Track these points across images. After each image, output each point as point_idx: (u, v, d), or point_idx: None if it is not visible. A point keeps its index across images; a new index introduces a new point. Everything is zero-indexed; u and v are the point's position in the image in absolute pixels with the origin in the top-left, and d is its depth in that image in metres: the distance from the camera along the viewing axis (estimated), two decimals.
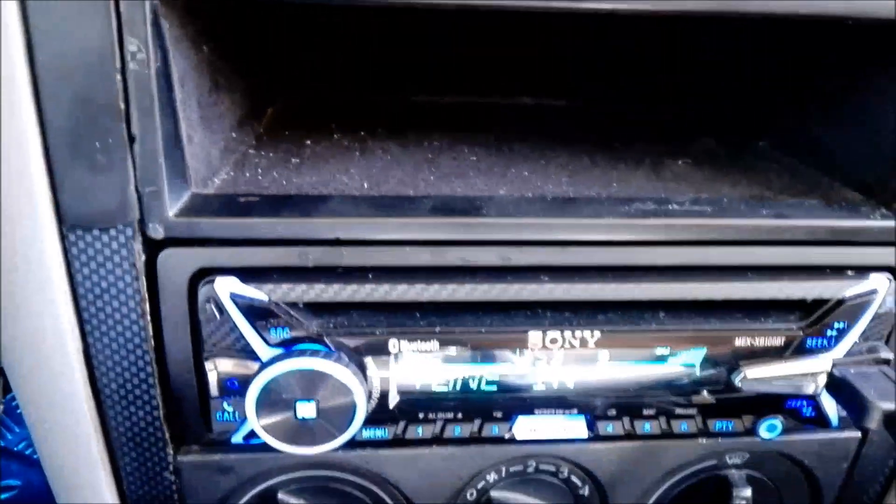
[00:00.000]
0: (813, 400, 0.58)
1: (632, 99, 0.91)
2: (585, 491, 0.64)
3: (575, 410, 0.58)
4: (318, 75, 0.89)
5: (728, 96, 0.88)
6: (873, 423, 0.53)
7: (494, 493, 0.63)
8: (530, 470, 0.63)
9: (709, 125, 0.84)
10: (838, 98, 0.67)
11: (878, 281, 0.56)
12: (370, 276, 0.53)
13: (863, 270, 0.56)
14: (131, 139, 0.47)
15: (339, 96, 0.88)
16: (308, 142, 0.68)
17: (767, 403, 0.59)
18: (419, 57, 0.88)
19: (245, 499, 0.62)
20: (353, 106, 0.85)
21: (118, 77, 0.45)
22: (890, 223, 0.55)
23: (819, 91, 0.70)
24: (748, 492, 0.63)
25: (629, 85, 0.91)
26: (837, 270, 0.56)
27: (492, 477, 0.63)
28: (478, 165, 0.64)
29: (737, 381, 0.56)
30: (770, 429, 0.60)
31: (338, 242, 0.52)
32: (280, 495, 0.62)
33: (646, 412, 0.58)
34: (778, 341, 0.55)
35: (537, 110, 0.88)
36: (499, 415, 0.58)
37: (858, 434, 0.64)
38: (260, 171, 0.60)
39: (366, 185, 0.58)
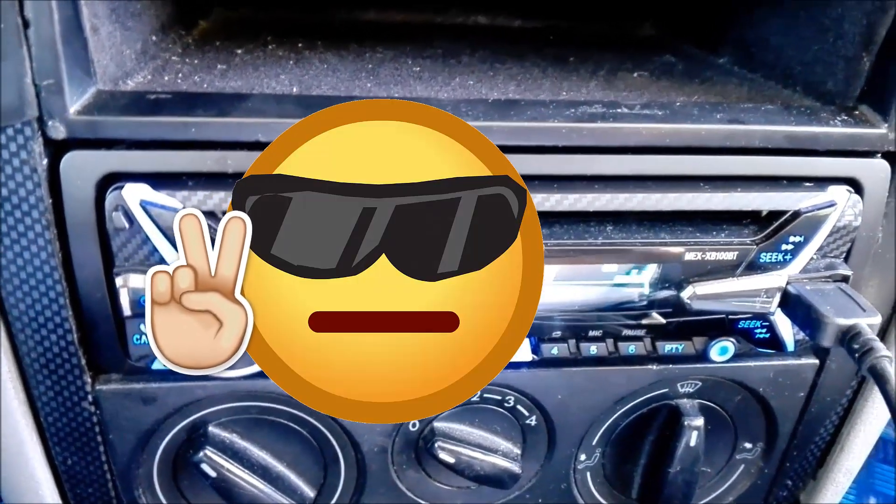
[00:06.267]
0: (766, 320, 0.56)
1: (589, 18, 0.87)
2: (532, 420, 0.62)
3: None
4: None
5: (689, 13, 0.84)
6: (829, 340, 0.50)
7: (437, 424, 0.61)
8: (475, 399, 0.60)
9: (669, 43, 0.80)
10: (796, 5, 0.63)
11: (837, 193, 0.53)
12: None
13: (821, 182, 0.53)
14: (25, 23, 0.43)
15: (281, 13, 0.83)
16: (239, 51, 0.64)
17: (719, 325, 0.56)
18: None
19: (172, 432, 0.58)
20: (296, 22, 0.80)
21: None
22: (850, 129, 0.52)
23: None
24: (700, 421, 0.61)
25: (585, 5, 0.87)
26: (794, 181, 0.53)
27: None
28: (420, 75, 0.60)
29: (686, 297, 0.53)
30: (721, 351, 0.57)
31: (260, 146, 0.48)
32: (210, 428, 0.59)
33: (592, 334, 0.55)
34: (730, 256, 0.52)
35: (492, 30, 0.84)
36: None
37: (815, 361, 0.62)
38: (181, 76, 0.56)
39: (295, 90, 0.54)
